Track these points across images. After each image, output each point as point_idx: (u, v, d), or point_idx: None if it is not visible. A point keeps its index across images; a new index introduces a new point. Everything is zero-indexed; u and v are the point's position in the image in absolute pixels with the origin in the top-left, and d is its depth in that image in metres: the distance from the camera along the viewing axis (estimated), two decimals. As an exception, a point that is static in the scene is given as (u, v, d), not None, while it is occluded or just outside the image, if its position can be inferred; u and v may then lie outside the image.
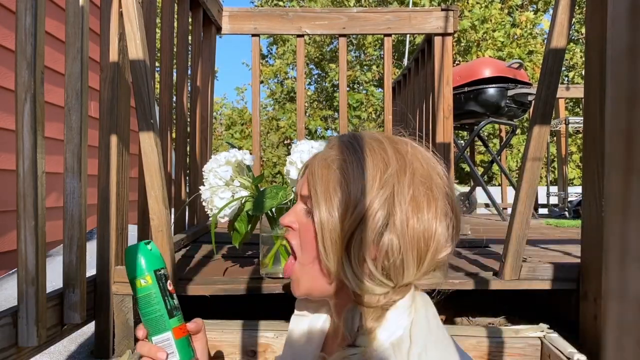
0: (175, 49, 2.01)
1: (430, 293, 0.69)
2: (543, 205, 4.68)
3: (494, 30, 10.24)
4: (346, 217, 0.63)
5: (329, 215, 0.64)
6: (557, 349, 1.14)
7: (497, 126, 5.15)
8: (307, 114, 11.93)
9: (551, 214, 4.39)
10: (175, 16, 1.99)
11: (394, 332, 0.61)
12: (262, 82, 11.86)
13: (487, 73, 3.65)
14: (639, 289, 0.22)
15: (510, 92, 3.61)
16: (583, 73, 1.40)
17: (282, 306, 1.06)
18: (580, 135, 8.32)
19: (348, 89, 12.08)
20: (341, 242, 0.63)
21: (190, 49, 2.15)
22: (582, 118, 1.89)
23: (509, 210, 2.06)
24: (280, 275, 1.33)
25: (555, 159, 4.90)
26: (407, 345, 0.59)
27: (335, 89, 12.19)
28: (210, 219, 1.36)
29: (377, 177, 0.63)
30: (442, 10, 2.53)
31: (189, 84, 2.11)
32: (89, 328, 1.42)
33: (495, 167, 7.60)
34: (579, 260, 1.35)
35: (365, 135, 0.68)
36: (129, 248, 0.78)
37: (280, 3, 12.42)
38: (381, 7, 11.53)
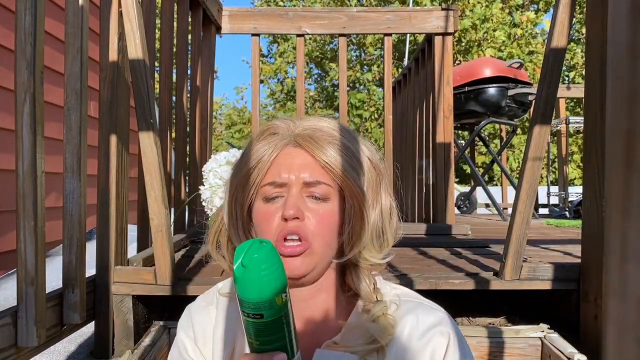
0: (175, 49, 2.00)
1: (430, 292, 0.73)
2: (543, 205, 4.68)
3: (494, 30, 10.24)
4: (380, 203, 0.74)
5: (368, 191, 0.73)
6: (558, 349, 1.14)
7: (497, 126, 5.15)
8: (308, 114, 11.93)
9: (551, 214, 4.39)
10: (175, 16, 1.99)
11: (381, 281, 0.78)
12: (262, 81, 11.87)
13: (487, 73, 3.65)
14: (639, 289, 0.22)
15: (510, 92, 3.61)
16: (583, 73, 1.40)
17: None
18: (581, 135, 8.33)
19: (349, 88, 12.09)
20: (376, 218, 0.74)
21: (190, 48, 2.15)
22: (582, 118, 1.89)
23: (510, 210, 2.06)
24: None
25: (556, 159, 4.90)
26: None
27: (335, 88, 12.20)
28: (209, 219, 1.36)
29: (374, 156, 0.76)
30: (443, 9, 2.53)
31: (188, 83, 2.11)
32: (89, 328, 1.42)
33: (495, 167, 7.60)
34: (579, 261, 1.35)
35: (329, 118, 0.78)
36: (258, 255, 0.55)
37: (280, 3, 12.43)
38: (381, 6, 11.53)
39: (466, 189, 5.05)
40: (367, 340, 0.69)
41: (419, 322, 0.72)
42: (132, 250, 1.49)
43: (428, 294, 0.86)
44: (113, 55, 1.34)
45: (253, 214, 0.74)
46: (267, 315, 0.55)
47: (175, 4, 1.97)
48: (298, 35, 2.58)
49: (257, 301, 0.54)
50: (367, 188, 0.73)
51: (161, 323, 1.27)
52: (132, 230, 1.48)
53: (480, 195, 4.44)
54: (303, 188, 0.70)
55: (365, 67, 12.36)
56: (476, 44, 10.29)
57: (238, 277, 0.54)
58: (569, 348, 1.14)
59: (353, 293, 0.75)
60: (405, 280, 1.34)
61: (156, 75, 2.44)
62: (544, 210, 4.63)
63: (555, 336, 1.21)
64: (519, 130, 7.98)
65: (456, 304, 1.50)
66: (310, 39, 11.84)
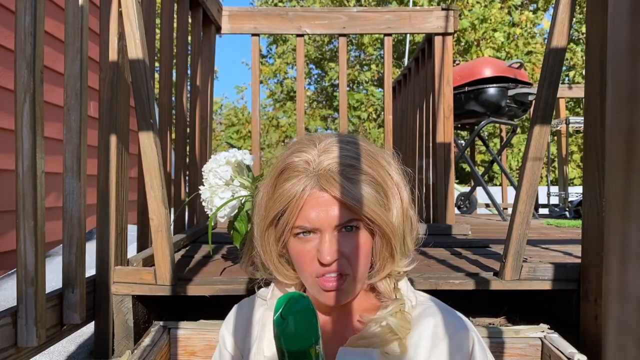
0: (174, 49, 2.00)
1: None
2: (543, 205, 4.67)
3: (493, 30, 10.24)
4: (402, 218, 0.77)
5: (395, 218, 0.76)
6: (558, 349, 1.14)
7: (497, 126, 5.15)
8: (307, 114, 11.93)
9: (551, 214, 4.39)
10: (175, 16, 1.99)
11: (407, 285, 0.83)
12: (261, 82, 11.86)
13: (487, 73, 3.65)
14: (639, 289, 0.22)
15: (510, 92, 3.61)
16: (583, 72, 1.40)
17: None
18: (581, 135, 8.33)
19: (348, 88, 12.08)
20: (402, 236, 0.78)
21: (189, 48, 2.15)
22: (582, 118, 1.89)
23: (510, 210, 2.06)
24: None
25: (556, 159, 4.89)
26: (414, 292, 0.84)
27: (335, 88, 12.19)
28: (209, 219, 1.36)
29: (395, 170, 0.78)
30: (443, 9, 2.53)
31: (188, 84, 2.11)
32: (89, 328, 1.42)
33: (495, 167, 7.60)
34: (579, 261, 1.35)
35: (347, 140, 0.78)
36: (296, 308, 0.60)
37: (280, 3, 12.43)
38: (381, 6, 11.52)
39: (466, 189, 5.04)
40: (385, 332, 0.73)
41: (443, 324, 0.75)
42: (132, 250, 1.49)
43: (428, 294, 0.87)
44: (113, 55, 1.33)
45: (288, 247, 0.78)
46: None
47: (175, 4, 1.97)
48: (298, 35, 2.58)
49: (293, 351, 0.60)
50: (392, 211, 0.75)
51: (161, 323, 1.27)
52: (132, 230, 1.48)
53: (480, 195, 4.44)
54: (334, 229, 0.73)
55: (364, 67, 12.35)
56: (475, 44, 10.29)
57: (277, 327, 0.60)
58: (569, 348, 1.14)
59: (377, 293, 0.81)
60: (405, 280, 1.34)
61: (156, 75, 2.44)
62: (544, 210, 4.63)
63: (555, 336, 1.21)
64: (518, 130, 8.00)
65: (456, 304, 1.50)
66: (309, 39, 11.83)
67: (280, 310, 0.60)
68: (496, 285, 1.35)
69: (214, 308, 1.44)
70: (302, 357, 0.59)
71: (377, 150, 0.78)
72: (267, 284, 0.89)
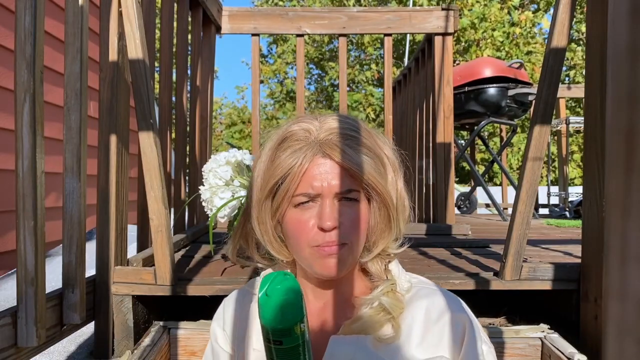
0: (174, 49, 2.00)
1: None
2: (544, 205, 4.68)
3: (493, 29, 10.25)
4: (397, 196, 0.78)
5: (392, 191, 0.76)
6: (558, 349, 1.14)
7: (497, 126, 5.15)
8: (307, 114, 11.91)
9: (552, 214, 4.39)
10: (175, 16, 1.99)
11: (398, 267, 0.82)
12: (262, 81, 11.86)
13: (487, 73, 3.65)
14: (639, 289, 0.22)
15: (510, 92, 3.61)
16: (583, 72, 1.40)
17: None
18: (581, 135, 8.33)
19: (348, 89, 12.07)
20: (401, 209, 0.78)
21: (189, 48, 2.15)
22: (582, 118, 1.89)
23: (510, 210, 2.06)
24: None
25: (556, 159, 4.89)
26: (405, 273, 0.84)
27: (334, 88, 12.19)
28: (209, 219, 1.36)
29: (391, 151, 0.80)
30: (443, 9, 2.53)
31: (188, 83, 2.11)
32: (89, 328, 1.42)
33: (495, 167, 7.60)
34: (579, 261, 1.35)
35: (346, 116, 0.80)
36: (281, 286, 0.60)
37: (280, 3, 12.43)
38: (381, 6, 11.52)
39: (466, 189, 5.04)
40: (378, 312, 0.73)
41: (436, 306, 0.74)
42: (132, 250, 1.49)
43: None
44: (113, 55, 1.33)
45: (285, 220, 0.76)
46: (286, 342, 0.59)
47: (175, 4, 1.97)
48: (298, 35, 2.58)
49: (277, 329, 0.59)
50: (390, 187, 0.76)
51: (161, 323, 1.27)
52: (132, 230, 1.48)
53: (480, 195, 4.44)
54: (335, 196, 0.73)
55: (364, 67, 12.35)
56: (475, 43, 10.29)
57: (261, 305, 0.59)
58: (569, 348, 1.14)
59: (369, 275, 0.81)
60: (405, 280, 1.34)
61: (156, 75, 2.44)
62: (544, 210, 4.63)
63: (555, 336, 1.21)
64: (518, 130, 7.99)
65: (456, 304, 1.50)
66: (309, 39, 11.83)
67: (264, 288, 0.60)
68: (496, 285, 1.35)
69: (214, 308, 1.43)
70: (286, 335, 0.59)
71: (375, 131, 0.81)
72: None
